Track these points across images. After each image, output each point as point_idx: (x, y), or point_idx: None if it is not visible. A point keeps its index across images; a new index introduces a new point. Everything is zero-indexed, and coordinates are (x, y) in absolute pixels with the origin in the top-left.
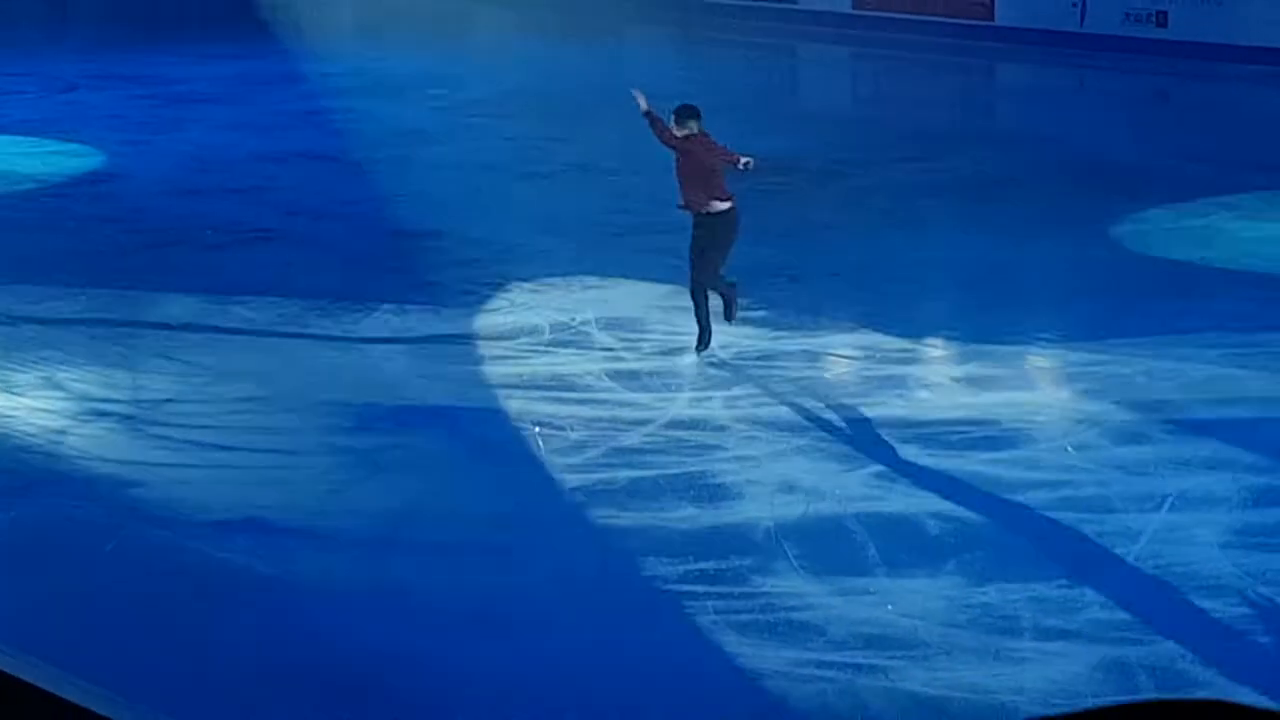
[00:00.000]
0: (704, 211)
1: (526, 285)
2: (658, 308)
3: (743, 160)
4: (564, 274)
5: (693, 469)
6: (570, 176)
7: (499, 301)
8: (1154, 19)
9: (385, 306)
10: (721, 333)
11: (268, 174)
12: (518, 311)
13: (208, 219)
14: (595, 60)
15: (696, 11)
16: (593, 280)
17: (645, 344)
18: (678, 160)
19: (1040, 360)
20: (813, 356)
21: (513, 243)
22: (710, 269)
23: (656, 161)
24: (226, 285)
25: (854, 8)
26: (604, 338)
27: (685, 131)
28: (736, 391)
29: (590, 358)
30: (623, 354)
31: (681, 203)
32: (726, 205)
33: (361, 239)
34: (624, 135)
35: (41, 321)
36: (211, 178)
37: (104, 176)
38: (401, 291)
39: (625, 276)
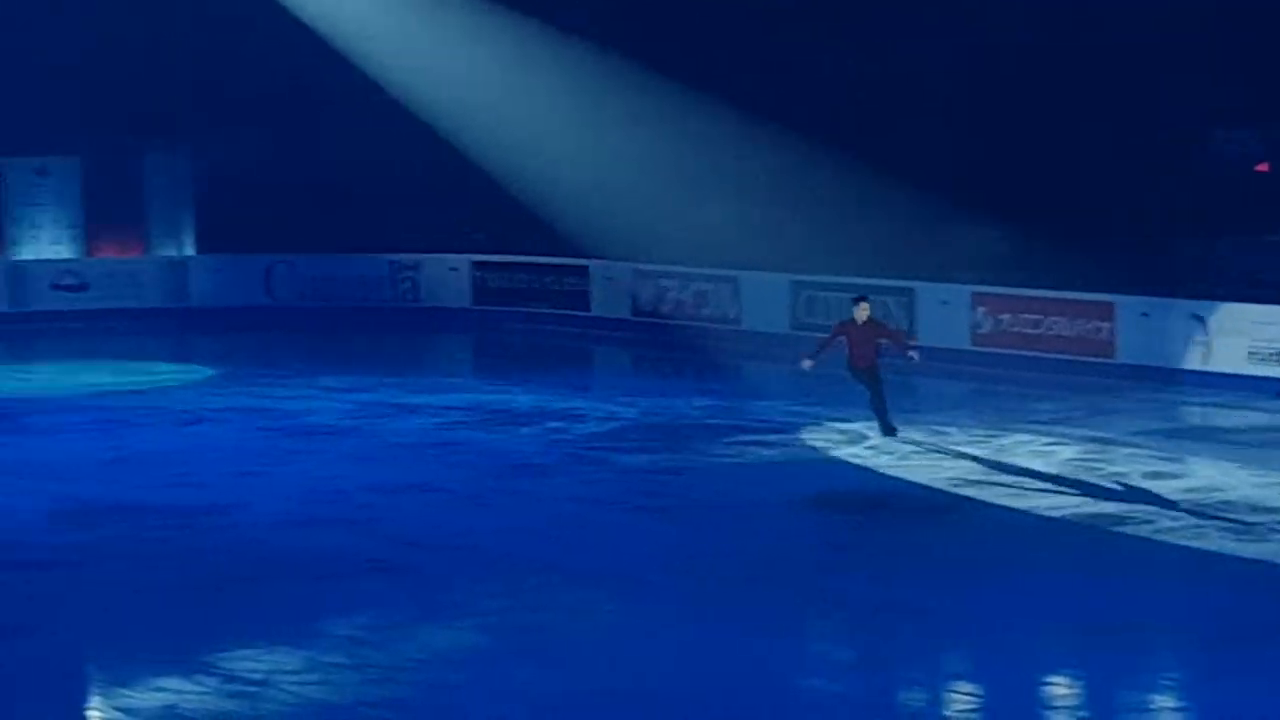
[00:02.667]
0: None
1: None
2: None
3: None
4: (677, 612)
5: None
6: (685, 511)
7: (613, 638)
8: None
9: (502, 648)
10: None
11: (381, 506)
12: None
13: (318, 550)
14: (713, 394)
15: None
16: (709, 618)
17: None
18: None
19: None
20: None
21: (626, 576)
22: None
23: (764, 501)
24: (330, 613)
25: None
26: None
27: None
28: None
29: None
30: None
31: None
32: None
33: (472, 571)
34: (733, 469)
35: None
36: (324, 509)
37: (220, 508)
38: (510, 624)
39: (738, 621)
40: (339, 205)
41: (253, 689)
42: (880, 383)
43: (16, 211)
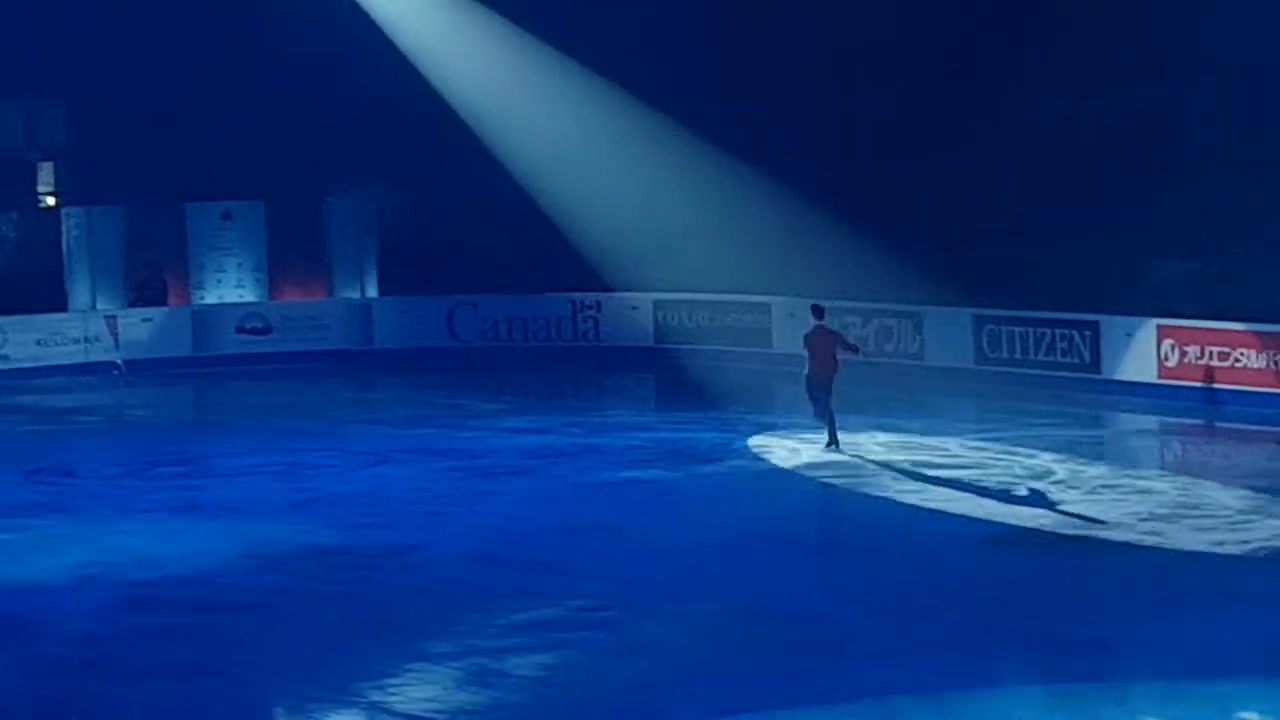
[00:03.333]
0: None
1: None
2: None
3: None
4: (861, 650)
5: None
6: (867, 548)
7: (797, 678)
8: None
9: (689, 687)
10: None
11: (565, 545)
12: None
13: (503, 590)
14: (896, 430)
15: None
16: (890, 655)
17: None
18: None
19: None
20: None
21: (811, 614)
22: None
23: (950, 537)
24: (515, 653)
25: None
26: None
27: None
28: None
29: None
30: None
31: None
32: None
33: (656, 610)
34: (916, 505)
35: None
36: (509, 549)
37: (405, 549)
38: (694, 665)
39: (922, 660)
40: (520, 246)
41: None
42: (832, 396)
43: (201, 256)
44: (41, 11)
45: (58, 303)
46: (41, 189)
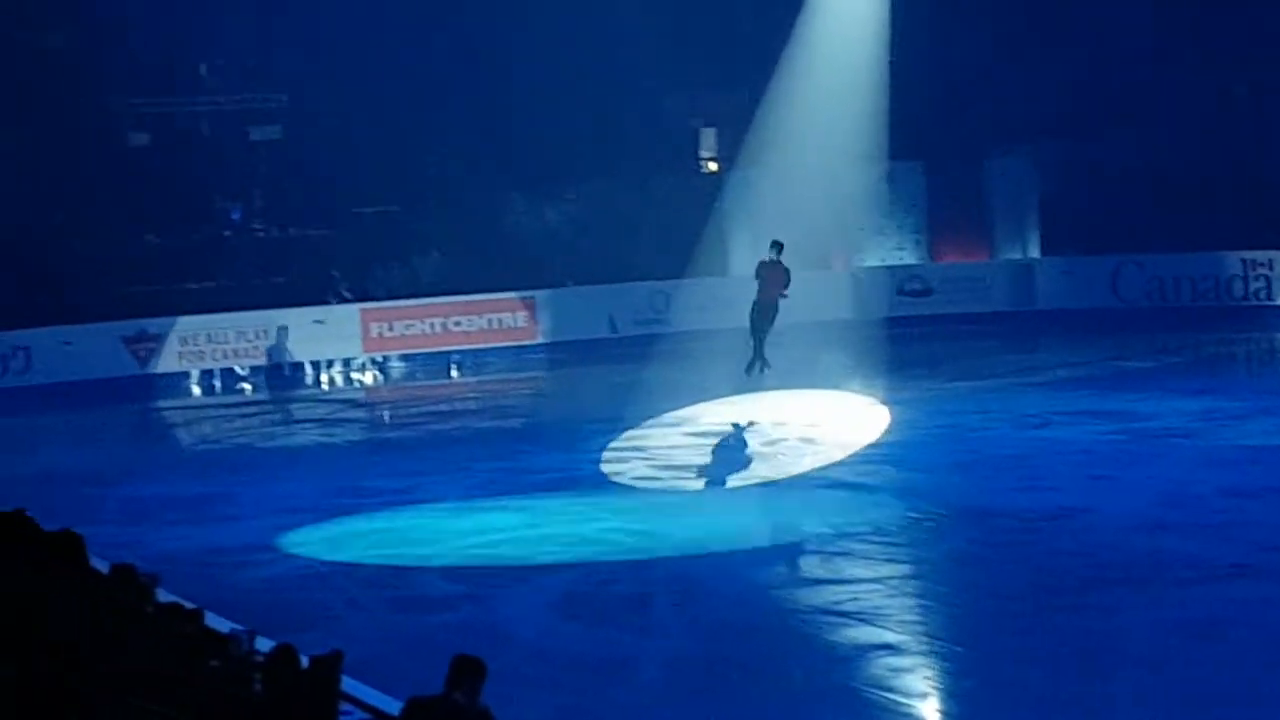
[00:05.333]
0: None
1: None
2: None
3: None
4: None
5: None
6: None
7: None
8: None
9: None
10: None
11: (1240, 509)
12: None
13: (1175, 555)
14: None
15: None
16: None
17: None
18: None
19: None
20: None
21: None
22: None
23: None
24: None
25: None
26: None
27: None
28: None
29: None
30: None
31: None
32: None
33: None
34: None
35: None
36: (1180, 513)
37: (1069, 512)
38: None
39: None
40: (1189, 201)
41: None
42: (770, 327)
43: (861, 218)
44: None
45: (718, 267)
46: (704, 154)
